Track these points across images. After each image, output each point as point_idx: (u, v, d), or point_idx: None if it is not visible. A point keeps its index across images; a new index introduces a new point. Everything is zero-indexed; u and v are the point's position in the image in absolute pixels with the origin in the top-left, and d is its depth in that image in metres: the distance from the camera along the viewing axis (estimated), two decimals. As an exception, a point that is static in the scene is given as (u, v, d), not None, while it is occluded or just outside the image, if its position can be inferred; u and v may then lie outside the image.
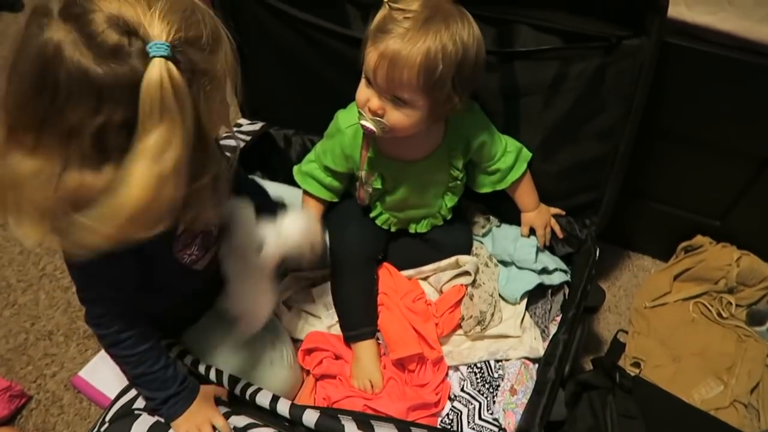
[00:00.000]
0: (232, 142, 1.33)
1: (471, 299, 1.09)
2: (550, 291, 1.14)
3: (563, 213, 1.20)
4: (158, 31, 0.60)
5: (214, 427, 0.88)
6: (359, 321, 1.09)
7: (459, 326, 1.10)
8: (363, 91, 0.92)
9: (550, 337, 1.02)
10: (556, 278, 1.13)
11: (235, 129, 1.37)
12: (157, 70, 0.59)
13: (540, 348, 1.05)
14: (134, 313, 0.84)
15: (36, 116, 0.62)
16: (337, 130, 1.06)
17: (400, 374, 1.05)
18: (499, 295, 1.12)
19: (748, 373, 1.21)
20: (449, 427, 1.00)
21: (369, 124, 0.92)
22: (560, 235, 1.19)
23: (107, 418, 0.95)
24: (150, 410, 0.89)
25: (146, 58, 0.59)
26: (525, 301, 1.12)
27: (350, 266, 1.11)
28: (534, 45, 1.05)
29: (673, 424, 0.96)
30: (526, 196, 1.16)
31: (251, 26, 1.27)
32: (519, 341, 1.06)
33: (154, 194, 0.61)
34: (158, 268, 0.84)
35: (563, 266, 1.17)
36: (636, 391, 0.96)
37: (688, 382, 1.19)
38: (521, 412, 0.96)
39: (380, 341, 1.10)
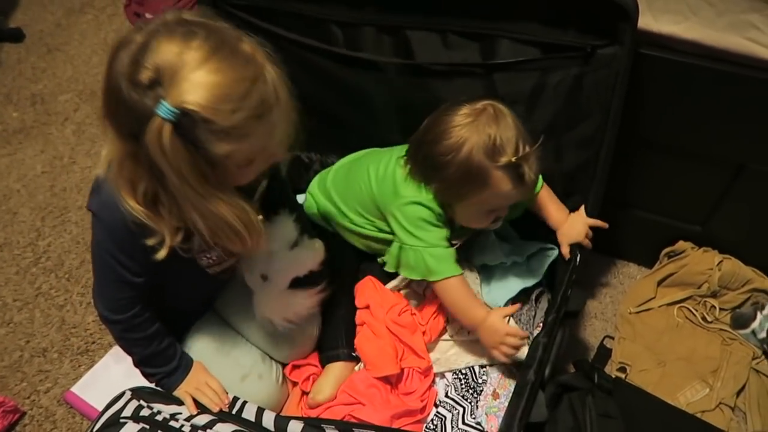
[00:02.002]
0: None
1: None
2: (534, 297, 1.16)
3: (605, 225, 1.17)
4: (177, 96, 0.65)
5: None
6: (340, 342, 1.12)
7: (445, 330, 1.11)
8: (486, 219, 1.05)
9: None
10: (536, 275, 1.15)
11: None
12: (154, 126, 0.66)
13: (523, 353, 1.07)
14: (146, 300, 0.91)
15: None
16: (425, 219, 1.06)
17: (383, 384, 1.06)
18: (483, 301, 1.14)
19: (734, 377, 1.22)
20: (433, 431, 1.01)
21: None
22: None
23: (95, 429, 0.97)
24: (156, 383, 0.98)
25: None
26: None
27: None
28: (513, 57, 1.09)
29: (654, 425, 0.97)
30: (554, 210, 1.15)
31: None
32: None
33: None
34: (176, 262, 0.86)
35: (533, 247, 1.19)
36: (617, 392, 0.97)
37: (673, 386, 1.20)
38: (503, 416, 0.98)
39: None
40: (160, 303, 0.94)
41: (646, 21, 1.01)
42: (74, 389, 1.21)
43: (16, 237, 1.51)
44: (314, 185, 1.28)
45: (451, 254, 1.05)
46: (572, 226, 1.14)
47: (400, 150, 1.13)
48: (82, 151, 1.71)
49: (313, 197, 1.26)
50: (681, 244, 1.33)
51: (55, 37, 2.05)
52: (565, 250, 1.13)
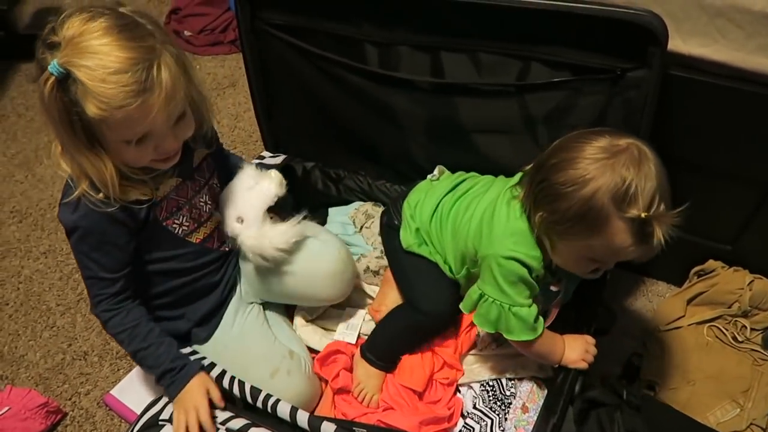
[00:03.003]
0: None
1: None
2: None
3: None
4: (66, 56, 0.78)
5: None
6: (386, 356, 1.13)
7: (475, 344, 1.13)
8: (587, 267, 0.95)
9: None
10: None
11: (257, 161, 1.44)
12: (43, 78, 0.79)
13: (549, 370, 1.08)
14: (133, 289, 1.00)
15: None
16: (521, 277, 0.97)
17: (410, 392, 1.09)
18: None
19: (765, 397, 1.22)
20: (463, 443, 1.03)
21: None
22: None
23: (135, 430, 1.01)
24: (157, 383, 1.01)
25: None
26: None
27: (430, 323, 1.13)
28: (545, 78, 1.11)
29: (683, 443, 0.97)
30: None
31: (276, 65, 1.35)
32: (528, 360, 1.09)
33: None
34: (153, 235, 0.98)
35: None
36: (645, 409, 0.98)
37: (703, 405, 1.20)
38: (531, 429, 0.99)
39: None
40: (158, 286, 1.04)
41: (675, 43, 1.02)
42: (113, 392, 1.25)
43: (59, 244, 1.57)
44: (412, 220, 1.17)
45: (533, 314, 0.97)
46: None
47: (506, 182, 1.07)
48: (122, 163, 1.77)
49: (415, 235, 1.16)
50: (711, 263, 1.33)
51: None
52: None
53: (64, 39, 0.79)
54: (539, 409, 1.03)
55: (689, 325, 1.34)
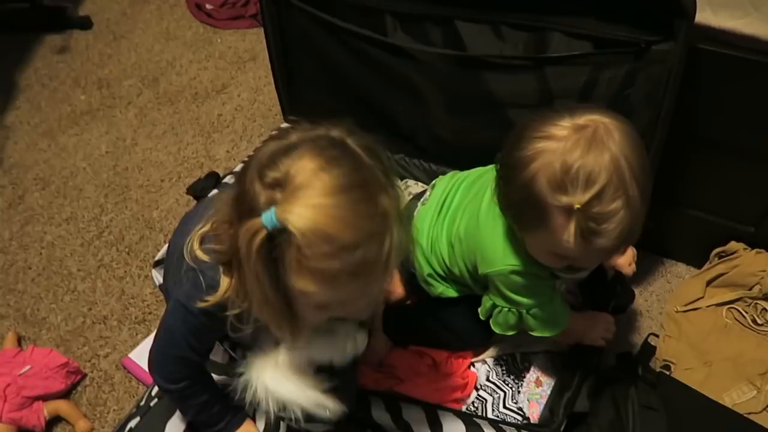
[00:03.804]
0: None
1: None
2: (579, 291, 1.17)
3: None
4: (286, 211, 0.62)
5: None
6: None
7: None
8: (555, 259, 0.84)
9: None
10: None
11: (276, 132, 1.44)
12: (252, 224, 0.63)
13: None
14: (199, 371, 0.93)
15: None
16: (527, 284, 0.92)
17: (424, 363, 1.09)
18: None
19: (783, 380, 1.20)
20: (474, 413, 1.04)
21: (584, 274, 0.95)
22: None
23: (153, 393, 1.02)
24: None
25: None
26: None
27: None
28: (565, 51, 1.09)
29: (698, 420, 0.96)
30: None
31: (297, 37, 1.35)
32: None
33: None
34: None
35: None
36: (660, 386, 0.98)
37: (719, 386, 1.19)
38: (545, 403, 0.99)
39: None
40: None
41: (705, 16, 1.00)
42: (131, 355, 1.28)
43: (81, 212, 1.60)
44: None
45: (555, 310, 0.94)
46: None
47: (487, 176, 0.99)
48: (143, 133, 1.79)
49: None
50: (733, 245, 1.31)
51: (121, 25, 2.14)
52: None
53: (289, 184, 0.63)
54: (553, 383, 1.03)
55: (708, 306, 1.32)
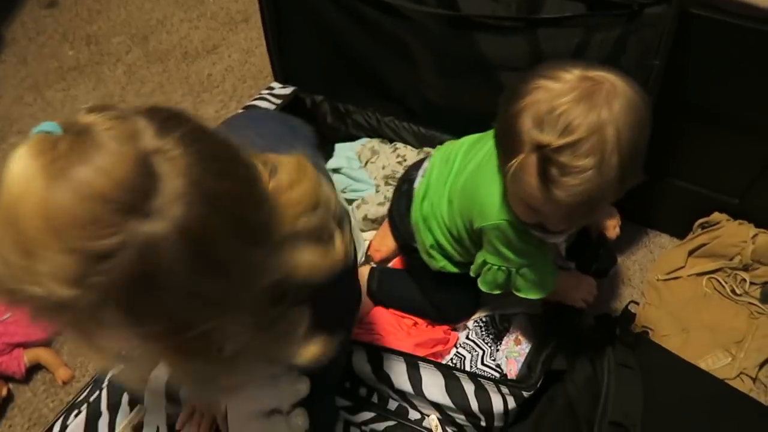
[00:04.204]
0: (263, 104, 1.40)
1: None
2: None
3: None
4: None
5: None
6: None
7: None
8: (530, 215, 0.84)
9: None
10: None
11: (266, 92, 1.43)
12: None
13: (539, 306, 1.09)
14: None
15: None
16: (519, 236, 0.91)
17: (404, 321, 1.10)
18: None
19: (758, 349, 1.22)
20: (453, 369, 1.05)
21: (557, 240, 0.94)
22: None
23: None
24: None
25: None
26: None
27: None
28: (558, 12, 1.08)
29: (672, 380, 0.98)
30: None
31: (289, -2, 1.33)
32: (519, 297, 1.10)
33: None
34: None
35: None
36: (637, 347, 0.99)
37: (695, 352, 1.20)
38: (522, 361, 1.01)
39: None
40: None
41: (698, -22, 0.99)
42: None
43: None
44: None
45: (543, 271, 0.94)
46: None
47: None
48: (132, 90, 1.77)
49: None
50: (716, 216, 1.32)
51: (111, -19, 2.11)
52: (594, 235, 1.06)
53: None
54: (532, 343, 1.04)
55: (689, 276, 1.33)
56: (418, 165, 1.13)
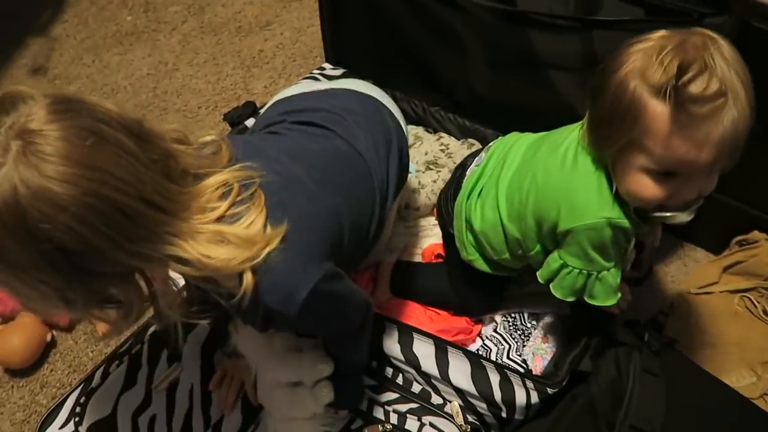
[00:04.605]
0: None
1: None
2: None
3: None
4: None
5: None
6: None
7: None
8: (660, 190, 0.78)
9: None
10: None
11: (317, 71, 1.46)
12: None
13: (566, 308, 1.09)
14: None
15: None
16: (613, 239, 0.87)
17: (423, 308, 1.13)
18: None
19: (785, 372, 1.21)
20: (478, 359, 1.07)
21: (686, 217, 0.85)
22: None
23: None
24: None
25: None
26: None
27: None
28: (616, 15, 1.08)
29: (696, 391, 0.98)
30: None
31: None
32: (548, 296, 1.11)
33: None
34: None
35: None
36: (664, 355, 0.99)
37: (720, 369, 1.20)
38: (549, 359, 1.02)
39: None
40: None
41: (763, -7, 0.98)
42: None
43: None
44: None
45: (618, 275, 0.90)
46: None
47: (568, 132, 0.92)
48: (185, 60, 1.81)
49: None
50: (755, 234, 1.31)
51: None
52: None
53: None
54: (559, 341, 1.05)
55: (721, 292, 1.32)
56: (475, 153, 1.14)
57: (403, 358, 0.98)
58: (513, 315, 1.14)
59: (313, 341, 0.96)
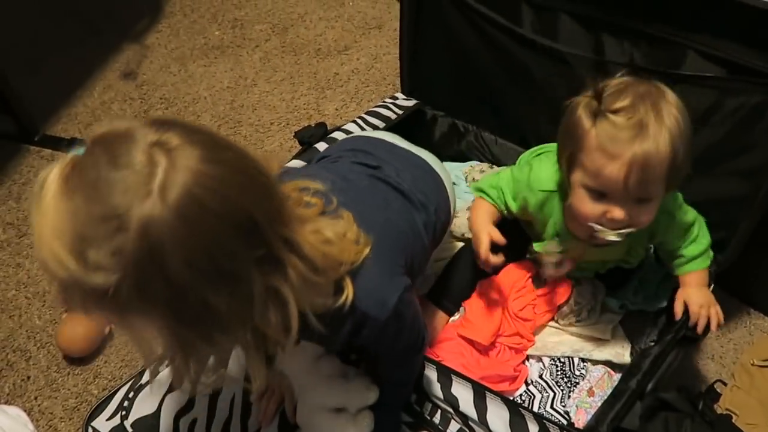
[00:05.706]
0: (384, 111, 1.45)
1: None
2: (653, 314, 1.14)
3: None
4: None
5: None
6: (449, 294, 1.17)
7: (553, 317, 1.13)
8: (593, 207, 0.90)
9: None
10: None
11: (390, 101, 1.48)
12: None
13: (626, 356, 1.06)
14: None
15: None
16: (528, 187, 1.04)
17: (472, 347, 1.10)
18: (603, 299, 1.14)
19: None
20: (520, 406, 1.04)
21: (614, 237, 0.91)
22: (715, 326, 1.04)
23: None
24: None
25: None
26: (623, 312, 1.14)
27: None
28: (698, 71, 1.06)
29: (749, 471, 0.93)
30: (692, 282, 1.06)
31: (429, 12, 1.37)
32: (606, 345, 1.08)
33: None
34: None
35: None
36: (718, 427, 0.94)
37: (780, 448, 1.13)
38: (593, 413, 0.99)
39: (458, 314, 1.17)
40: None
41: None
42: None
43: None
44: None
45: None
46: (699, 290, 1.04)
47: None
48: (264, 76, 1.88)
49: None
50: (830, 310, 1.23)
51: (265, -26, 2.25)
52: (678, 308, 1.02)
53: None
54: (605, 396, 1.02)
55: (788, 367, 1.25)
56: None
57: (441, 396, 0.97)
58: (563, 360, 1.11)
59: (358, 370, 0.97)
